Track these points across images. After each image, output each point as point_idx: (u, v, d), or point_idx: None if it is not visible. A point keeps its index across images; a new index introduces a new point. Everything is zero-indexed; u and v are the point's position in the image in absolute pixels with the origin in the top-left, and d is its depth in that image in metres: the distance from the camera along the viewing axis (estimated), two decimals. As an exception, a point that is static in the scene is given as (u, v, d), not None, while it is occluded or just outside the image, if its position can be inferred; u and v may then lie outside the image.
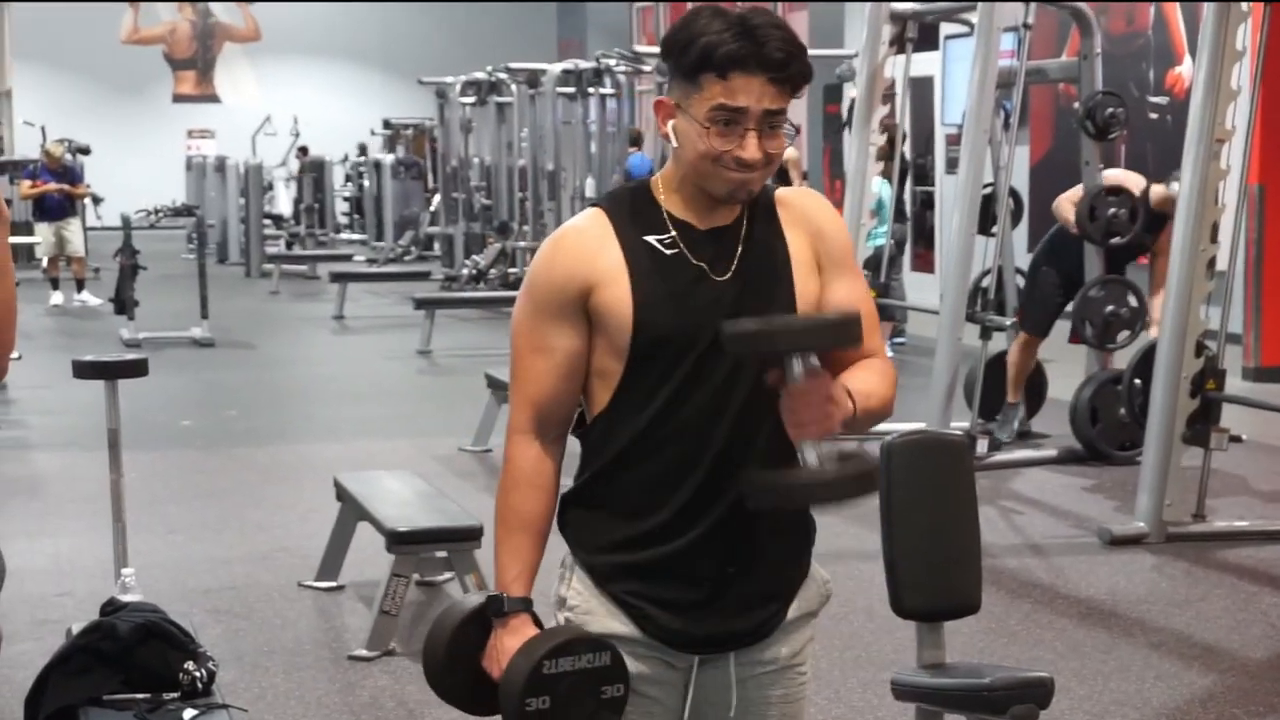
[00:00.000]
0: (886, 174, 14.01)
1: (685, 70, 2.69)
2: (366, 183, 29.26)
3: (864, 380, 2.76)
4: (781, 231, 2.82)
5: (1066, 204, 9.81)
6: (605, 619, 2.81)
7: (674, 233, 2.76)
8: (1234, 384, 9.37)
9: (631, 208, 2.79)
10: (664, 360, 2.73)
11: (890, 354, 13.45)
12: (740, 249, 2.77)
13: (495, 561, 2.85)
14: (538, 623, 2.81)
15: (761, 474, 2.69)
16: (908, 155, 13.96)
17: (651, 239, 2.75)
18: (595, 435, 2.82)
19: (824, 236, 2.85)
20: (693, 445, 2.74)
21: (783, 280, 2.79)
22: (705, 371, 2.73)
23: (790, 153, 17.47)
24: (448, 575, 6.83)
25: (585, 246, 2.75)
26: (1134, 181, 9.67)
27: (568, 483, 2.87)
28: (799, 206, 2.86)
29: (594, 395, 2.81)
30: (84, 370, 6.06)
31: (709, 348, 2.71)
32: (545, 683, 2.70)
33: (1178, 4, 15.20)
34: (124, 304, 15.38)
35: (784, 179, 17.26)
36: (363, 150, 30.92)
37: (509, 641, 2.77)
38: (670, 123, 2.74)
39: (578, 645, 2.73)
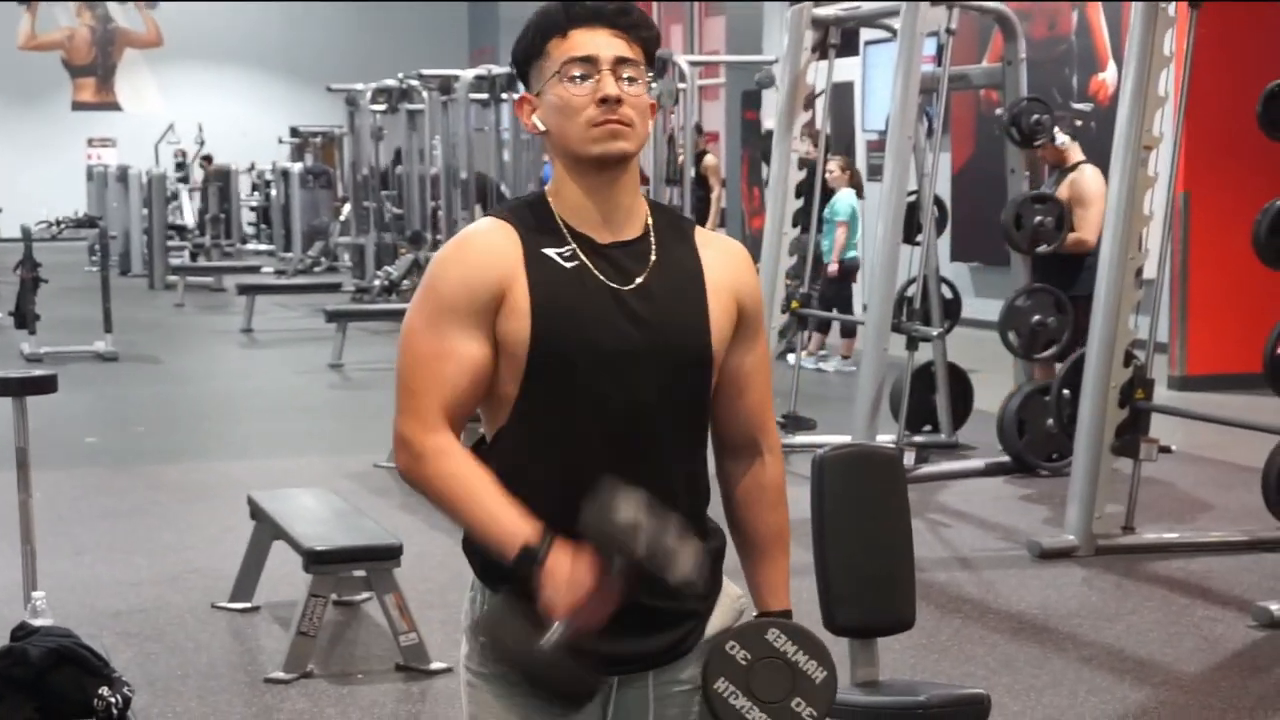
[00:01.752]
0: (853, 184, 14.25)
1: (531, 51, 2.76)
2: (274, 192, 29.13)
3: (781, 564, 2.94)
4: (698, 256, 2.81)
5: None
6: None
7: (573, 245, 2.74)
8: (1161, 393, 9.46)
9: (531, 215, 2.77)
10: (563, 376, 2.70)
11: (830, 366, 13.62)
12: (652, 261, 2.76)
13: (486, 533, 2.67)
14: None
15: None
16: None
17: (550, 252, 2.73)
18: (493, 455, 2.77)
19: (749, 290, 2.85)
20: (593, 462, 2.70)
21: (693, 297, 2.78)
22: (606, 387, 2.70)
23: (709, 159, 17.59)
24: (366, 595, 6.81)
25: (495, 252, 2.72)
26: None
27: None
28: (725, 249, 2.86)
29: (493, 415, 2.78)
30: (-10, 386, 6.01)
31: (609, 363, 2.70)
32: (631, 529, 2.58)
33: (1101, 8, 15.35)
34: (25, 318, 15.23)
35: (703, 185, 17.39)
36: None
37: (570, 562, 2.62)
38: (534, 115, 2.77)
39: (619, 489, 2.61)
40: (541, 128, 2.76)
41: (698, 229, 2.87)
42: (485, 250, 2.72)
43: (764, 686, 2.78)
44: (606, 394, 2.70)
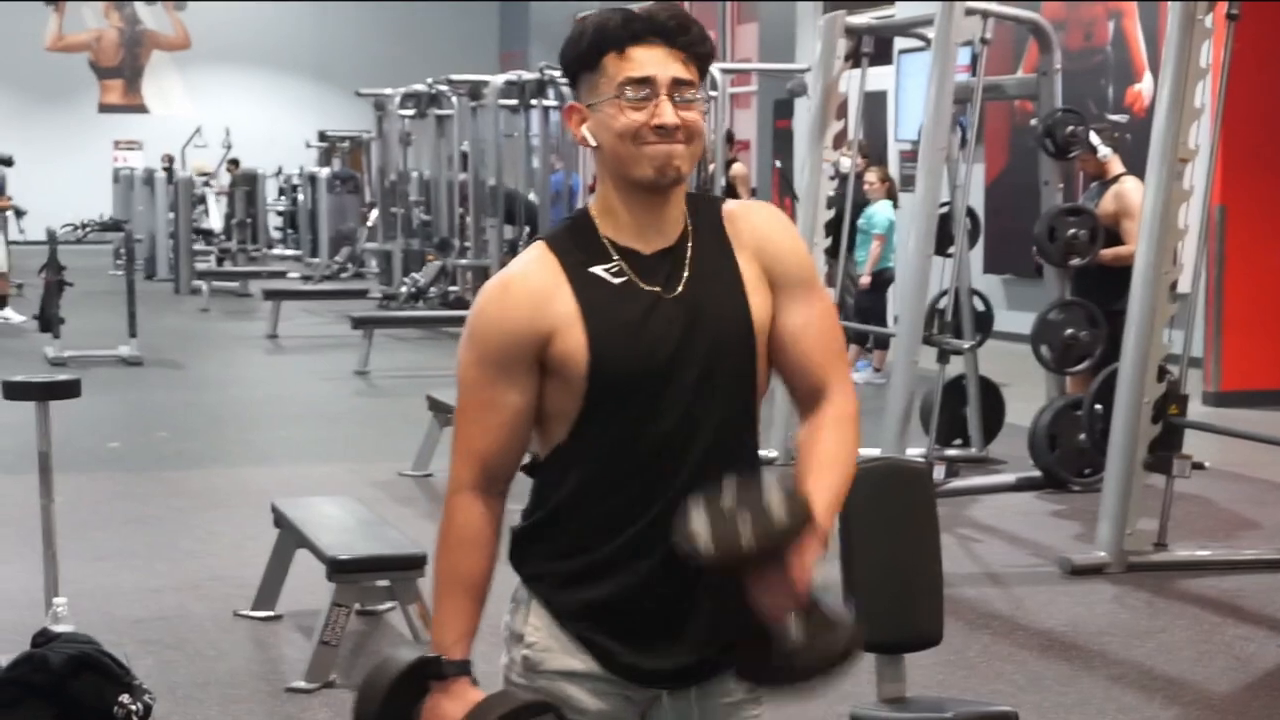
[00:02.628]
0: (890, 196, 14.27)
1: (585, 63, 2.75)
2: (301, 197, 29.19)
3: (830, 474, 2.78)
4: (730, 248, 2.82)
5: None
6: (564, 656, 2.81)
7: (619, 260, 2.76)
8: (1195, 409, 9.43)
9: (573, 239, 2.79)
10: (621, 394, 2.73)
11: (858, 378, 13.60)
12: (688, 269, 2.78)
13: (434, 620, 2.83)
14: (475, 683, 2.79)
15: (743, 661, 2.74)
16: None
17: (598, 270, 2.75)
18: (550, 472, 2.82)
19: (776, 252, 2.83)
20: (652, 477, 2.74)
21: (734, 299, 2.79)
22: (664, 401, 2.74)
23: (738, 168, 17.60)
24: (390, 605, 6.81)
25: (536, 293, 2.74)
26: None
27: (515, 509, 2.87)
28: (747, 221, 2.85)
29: (549, 433, 2.80)
30: (15, 391, 6.04)
31: (667, 377, 2.73)
32: None
33: (1138, 18, 15.32)
34: (49, 321, 15.29)
35: (732, 195, 17.39)
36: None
37: (450, 707, 2.75)
38: (583, 127, 2.78)
39: (522, 714, 2.71)
40: (593, 142, 2.77)
41: (725, 209, 2.86)
42: (526, 294, 2.74)
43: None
44: (664, 399, 2.73)
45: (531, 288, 2.74)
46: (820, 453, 2.81)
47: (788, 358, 2.84)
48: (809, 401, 2.87)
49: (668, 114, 2.70)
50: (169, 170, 26.87)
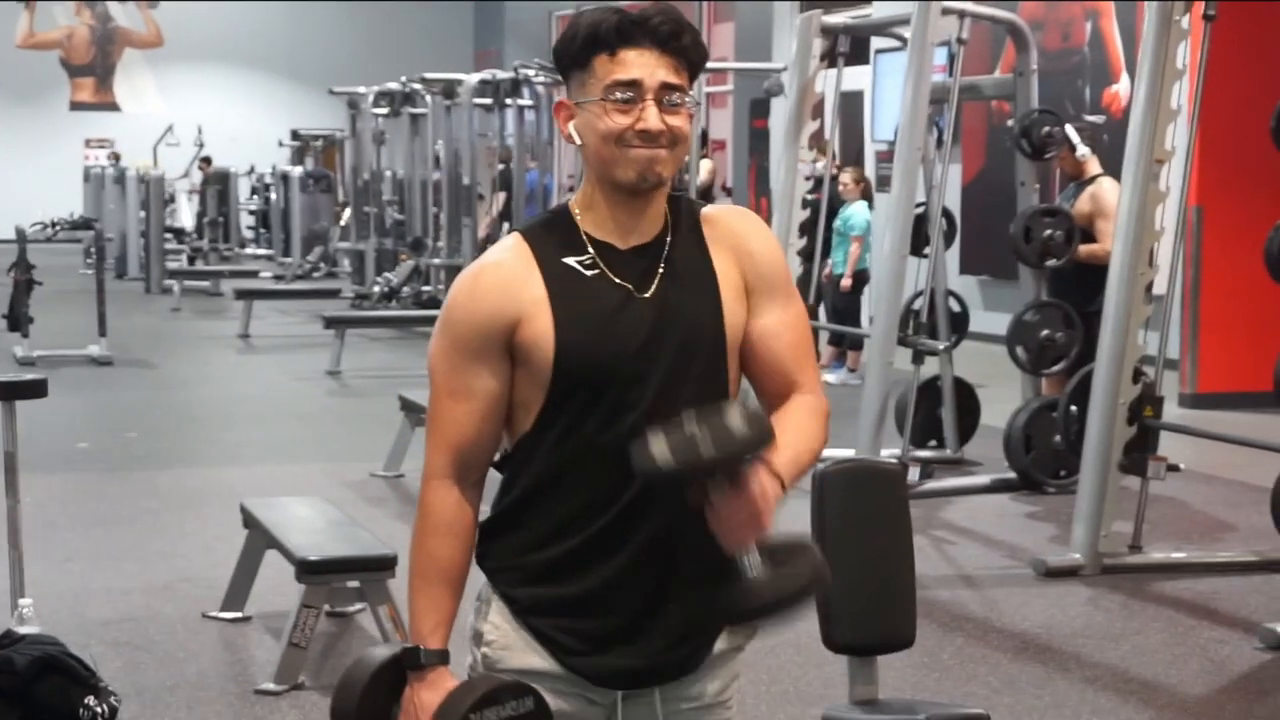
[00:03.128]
0: (865, 196, 14.30)
1: (576, 61, 2.74)
2: (273, 195, 29.13)
3: (794, 439, 2.77)
4: (706, 249, 2.83)
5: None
6: (524, 654, 2.81)
7: (593, 253, 2.77)
8: (1171, 411, 9.45)
9: (550, 231, 2.80)
10: (587, 385, 2.74)
11: (832, 378, 13.58)
12: (664, 265, 2.79)
13: (410, 611, 2.83)
14: (453, 674, 2.80)
15: (703, 594, 2.74)
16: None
17: (571, 260, 2.77)
18: (516, 463, 2.82)
19: (753, 256, 2.85)
20: (616, 472, 2.72)
21: (706, 301, 2.80)
22: (630, 396, 2.74)
23: (705, 164, 17.58)
24: (359, 606, 6.80)
25: (507, 280, 2.76)
26: None
27: (486, 510, 2.87)
28: (726, 225, 2.86)
29: (515, 423, 2.81)
30: (-20, 390, 6.01)
31: (633, 372, 2.73)
32: None
33: (1115, 19, 15.35)
34: (18, 320, 15.25)
35: (707, 197, 17.39)
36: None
37: (428, 696, 2.76)
38: (570, 123, 2.78)
39: (502, 694, 2.71)
40: (578, 140, 2.77)
41: (703, 213, 2.88)
42: (497, 282, 2.76)
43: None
44: (630, 394, 2.74)
45: (503, 275, 2.76)
46: (786, 423, 2.79)
47: (759, 360, 2.85)
48: (777, 398, 2.87)
49: (652, 119, 2.70)
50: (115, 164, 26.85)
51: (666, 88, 2.71)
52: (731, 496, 2.63)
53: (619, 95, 2.70)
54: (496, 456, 2.85)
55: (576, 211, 2.81)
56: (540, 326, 2.73)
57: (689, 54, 2.74)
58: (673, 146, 2.73)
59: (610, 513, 2.76)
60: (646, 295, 2.76)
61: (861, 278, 14.17)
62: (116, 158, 29.00)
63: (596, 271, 2.76)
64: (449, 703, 2.72)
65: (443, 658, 2.79)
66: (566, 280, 2.75)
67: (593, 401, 2.74)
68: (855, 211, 14.08)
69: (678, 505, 2.71)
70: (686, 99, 2.74)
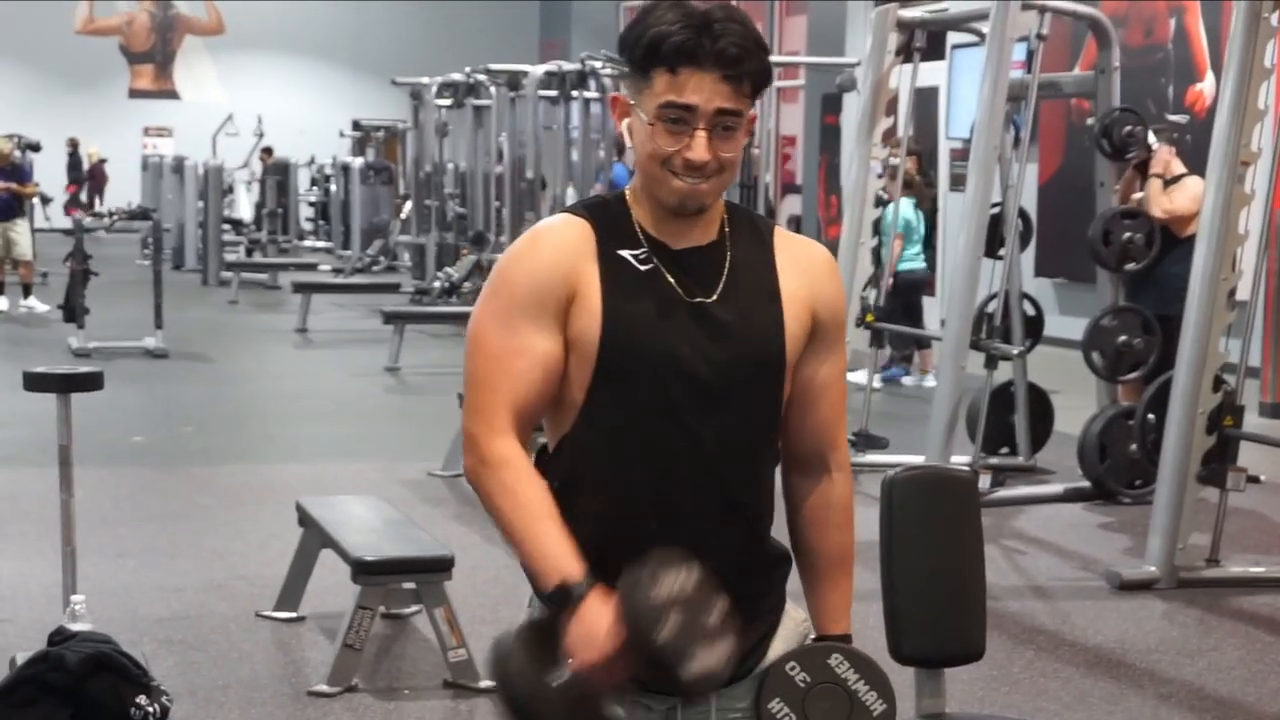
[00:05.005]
0: (918, 194, 14.18)
1: (637, 64, 2.71)
2: (333, 187, 29.25)
3: (844, 585, 2.93)
4: (774, 264, 2.81)
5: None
6: None
7: (648, 249, 2.75)
8: (1251, 421, 9.38)
9: (608, 217, 2.78)
10: (632, 384, 2.71)
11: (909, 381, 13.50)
12: (726, 272, 2.77)
13: (530, 557, 2.68)
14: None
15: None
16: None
17: (626, 253, 2.75)
18: (554, 465, 2.79)
19: (825, 296, 2.84)
20: (660, 478, 2.72)
21: (771, 313, 2.78)
22: (675, 395, 2.72)
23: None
24: (415, 608, 6.81)
25: (568, 248, 2.73)
26: None
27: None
28: (804, 252, 2.86)
29: (556, 423, 2.79)
30: (35, 382, 6.04)
31: (680, 371, 2.71)
32: (660, 610, 2.54)
33: (1200, 15, 15.26)
34: (73, 311, 15.34)
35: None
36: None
37: (599, 616, 2.59)
38: (625, 121, 2.77)
39: (670, 561, 2.57)
40: (629, 141, 2.76)
41: (777, 230, 2.87)
42: (557, 246, 2.74)
43: (819, 712, 2.77)
44: (675, 402, 2.72)
45: (563, 240, 2.74)
46: (834, 556, 2.91)
47: (806, 410, 2.86)
48: (807, 464, 2.90)
49: (699, 150, 2.67)
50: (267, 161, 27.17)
51: (722, 113, 2.68)
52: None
53: (673, 117, 2.68)
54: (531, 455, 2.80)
55: (632, 204, 2.80)
56: (591, 311, 2.70)
57: (755, 78, 2.70)
58: (718, 174, 2.70)
59: (653, 521, 2.72)
60: (704, 300, 2.74)
61: (905, 279, 13.77)
62: (263, 150, 29.26)
63: (650, 267, 2.74)
64: (626, 591, 2.56)
65: (591, 581, 2.63)
66: (619, 271, 2.73)
67: (636, 403, 2.71)
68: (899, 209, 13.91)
69: (720, 511, 2.71)
70: (742, 121, 2.70)
